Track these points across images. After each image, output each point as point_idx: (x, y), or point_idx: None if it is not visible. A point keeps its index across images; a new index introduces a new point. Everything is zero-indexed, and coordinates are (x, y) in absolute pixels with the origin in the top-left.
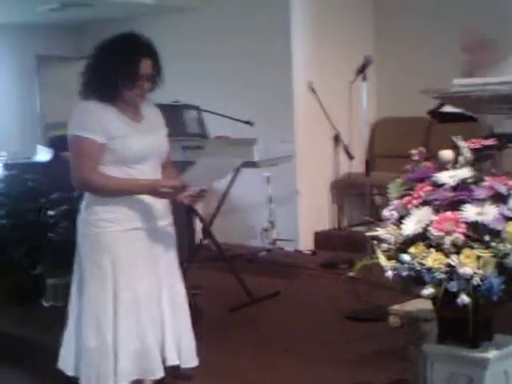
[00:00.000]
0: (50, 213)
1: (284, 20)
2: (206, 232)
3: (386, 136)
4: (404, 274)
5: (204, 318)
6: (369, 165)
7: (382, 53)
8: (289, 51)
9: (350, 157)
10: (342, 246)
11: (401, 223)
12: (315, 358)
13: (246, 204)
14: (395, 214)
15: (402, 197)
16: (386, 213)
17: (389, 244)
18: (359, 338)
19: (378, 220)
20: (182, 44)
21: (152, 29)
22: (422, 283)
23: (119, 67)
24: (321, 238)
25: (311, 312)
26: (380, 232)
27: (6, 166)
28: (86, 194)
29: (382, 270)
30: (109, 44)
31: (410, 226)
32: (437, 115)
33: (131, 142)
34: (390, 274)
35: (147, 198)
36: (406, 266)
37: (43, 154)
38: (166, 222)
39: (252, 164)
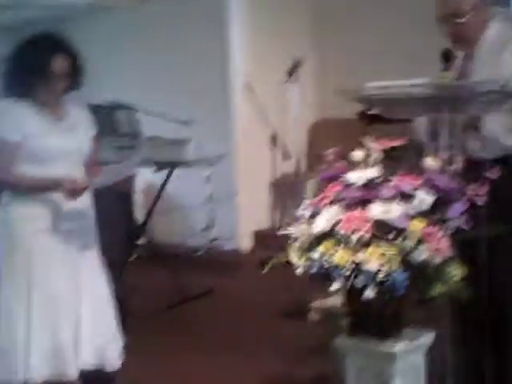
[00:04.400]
0: None
1: (221, 17)
2: (142, 230)
3: (325, 136)
4: (314, 270)
5: (138, 317)
6: (299, 165)
7: (322, 50)
8: (226, 49)
9: (287, 156)
10: (280, 245)
11: (312, 222)
12: (248, 355)
13: (186, 203)
14: (307, 213)
15: (316, 196)
16: (299, 212)
17: (300, 242)
18: (295, 335)
19: None
20: (118, 42)
21: (87, 29)
22: (331, 279)
23: (31, 65)
24: (260, 237)
25: (247, 310)
26: (292, 230)
27: None
28: (1, 194)
29: None
30: (23, 43)
31: (320, 225)
32: (364, 117)
33: (48, 140)
34: (300, 270)
35: (62, 198)
36: (316, 263)
37: None
38: (83, 221)
39: (185, 164)
